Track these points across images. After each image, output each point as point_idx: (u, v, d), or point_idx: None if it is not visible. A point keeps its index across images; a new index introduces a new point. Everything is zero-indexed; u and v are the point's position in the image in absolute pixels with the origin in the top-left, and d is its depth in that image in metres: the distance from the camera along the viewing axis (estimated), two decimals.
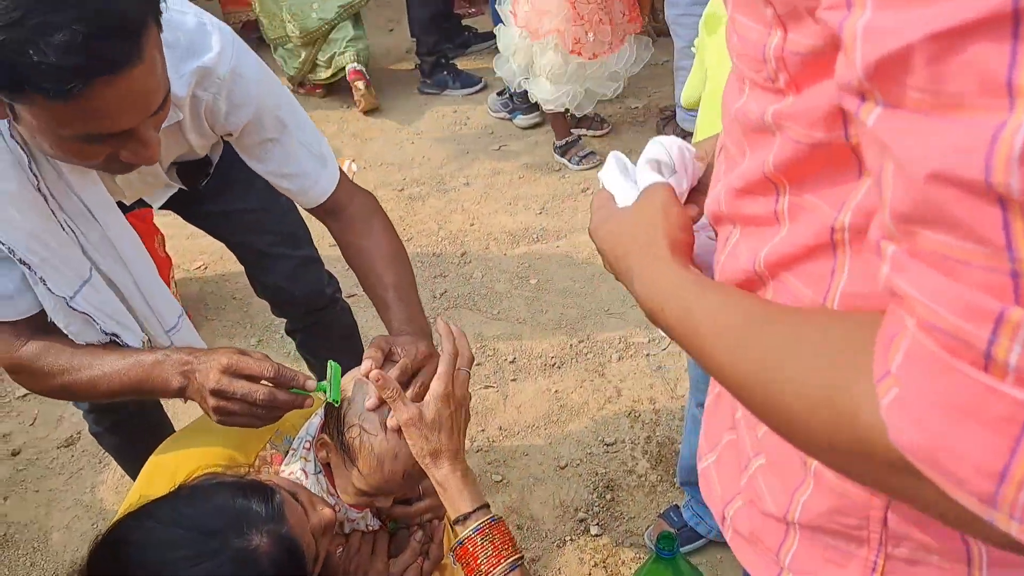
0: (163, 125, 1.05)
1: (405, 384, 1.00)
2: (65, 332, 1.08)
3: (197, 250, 2.80)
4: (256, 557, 0.83)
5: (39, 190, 1.01)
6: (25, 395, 2.31)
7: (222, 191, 1.47)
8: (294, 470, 1.08)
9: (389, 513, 1.11)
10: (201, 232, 1.61)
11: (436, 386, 0.97)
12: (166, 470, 1.08)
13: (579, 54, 2.64)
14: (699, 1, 1.34)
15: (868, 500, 0.51)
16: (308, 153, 1.21)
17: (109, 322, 1.11)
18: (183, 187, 1.36)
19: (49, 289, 1.03)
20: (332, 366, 1.02)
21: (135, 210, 1.55)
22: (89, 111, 0.83)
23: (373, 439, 0.98)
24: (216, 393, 0.98)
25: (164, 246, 2.46)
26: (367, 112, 3.50)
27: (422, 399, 1.00)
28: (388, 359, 1.03)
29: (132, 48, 0.82)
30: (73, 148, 0.90)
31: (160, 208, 1.53)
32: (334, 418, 1.03)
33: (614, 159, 0.71)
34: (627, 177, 0.69)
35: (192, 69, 1.04)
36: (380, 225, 1.25)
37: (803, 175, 0.47)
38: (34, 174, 1.00)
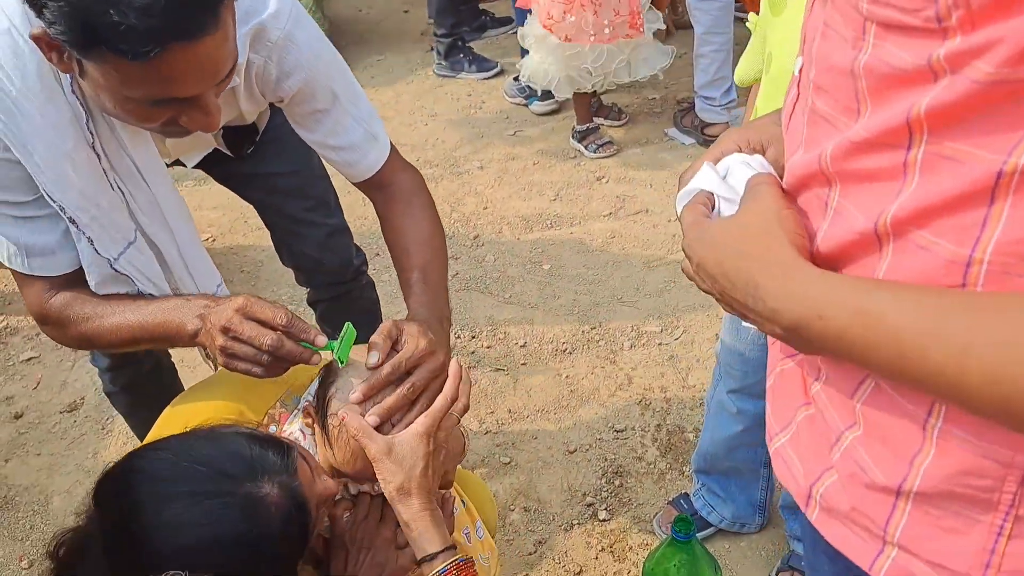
0: None
1: (397, 381, 0.96)
2: (93, 289, 1.08)
3: (206, 222, 2.78)
4: (266, 505, 0.82)
5: (93, 148, 1.00)
6: (30, 358, 2.29)
7: (257, 153, 1.45)
8: (293, 430, 1.06)
9: None
10: (209, 204, 1.60)
11: (418, 423, 0.94)
12: (179, 421, 1.07)
13: (550, 31, 2.62)
14: None
15: (1011, 458, 0.49)
16: (359, 127, 1.18)
17: (147, 284, 1.10)
18: (229, 153, 1.34)
19: (95, 249, 1.03)
20: (347, 327, 0.99)
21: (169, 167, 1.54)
22: (160, 75, 0.82)
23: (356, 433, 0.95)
24: (224, 331, 0.96)
25: None
26: None
27: (414, 401, 0.96)
28: (393, 347, 1.00)
29: (211, 16, 0.81)
30: (136, 110, 0.89)
31: (193, 168, 1.51)
32: (321, 396, 1.00)
33: (710, 169, 0.68)
34: (725, 187, 0.66)
35: (246, 31, 1.02)
36: (420, 204, 1.23)
37: (960, 120, 0.45)
38: (90, 131, 0.99)
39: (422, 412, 0.96)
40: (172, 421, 1.09)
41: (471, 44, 3.62)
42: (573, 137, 2.99)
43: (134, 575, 0.81)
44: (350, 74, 1.19)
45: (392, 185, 1.23)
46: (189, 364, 2.24)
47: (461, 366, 1.01)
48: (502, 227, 2.66)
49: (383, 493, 1.08)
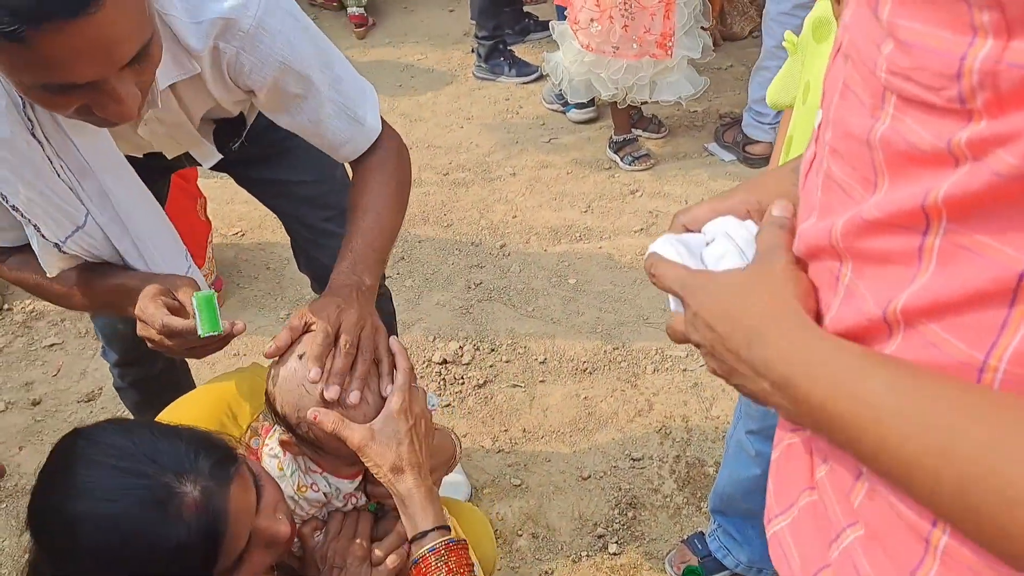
0: (179, 78, 1.01)
1: (329, 348, 0.95)
2: (44, 270, 1.10)
3: (236, 216, 2.78)
4: (177, 503, 0.79)
5: (34, 135, 0.98)
6: (52, 345, 2.31)
7: (278, 158, 1.42)
8: (273, 446, 1.04)
9: (374, 494, 1.06)
10: (241, 198, 1.58)
11: (392, 401, 0.95)
12: None
13: (575, 35, 2.56)
14: (806, 4, 1.24)
15: None
16: (341, 114, 1.15)
17: (91, 261, 1.12)
18: (215, 148, 1.30)
19: (42, 234, 1.03)
20: (195, 298, 0.99)
21: (181, 169, 1.51)
22: (40, 58, 0.77)
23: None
24: (138, 318, 1.02)
25: (205, 210, 2.43)
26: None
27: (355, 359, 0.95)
28: (307, 330, 0.98)
29: None
30: (37, 96, 0.84)
31: (213, 169, 1.48)
32: (278, 418, 0.98)
33: (672, 245, 0.64)
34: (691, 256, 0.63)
35: (212, 19, 0.98)
36: (386, 173, 1.20)
37: (981, 210, 0.40)
38: (29, 119, 0.96)
39: (367, 366, 0.96)
40: None
41: (512, 47, 3.57)
42: (610, 147, 2.92)
43: (42, 534, 0.82)
44: (333, 57, 1.15)
45: (370, 158, 1.21)
46: (209, 362, 2.24)
47: (398, 342, 1.02)
48: (530, 237, 2.60)
49: (359, 511, 1.06)
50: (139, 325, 1.02)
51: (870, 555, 0.51)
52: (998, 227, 0.39)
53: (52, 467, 0.84)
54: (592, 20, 2.50)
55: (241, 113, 1.27)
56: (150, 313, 1.00)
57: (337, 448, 0.94)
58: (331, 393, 0.92)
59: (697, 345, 0.60)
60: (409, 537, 0.92)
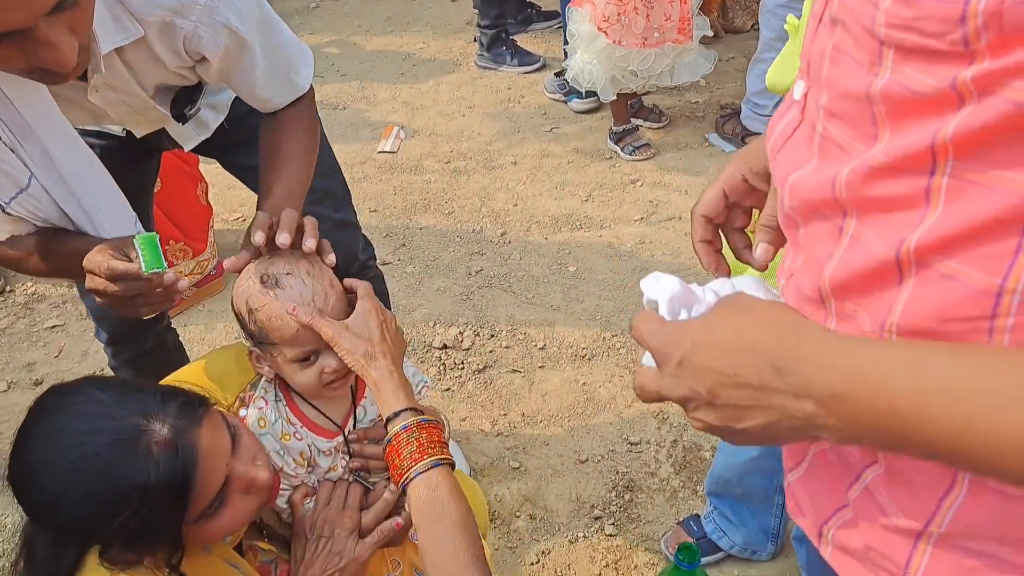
0: (123, 42, 1.02)
1: (296, 238, 1.00)
2: None
3: (237, 201, 2.79)
4: (146, 442, 0.81)
5: None
6: (54, 326, 2.32)
7: (258, 144, 1.41)
8: (261, 404, 1.06)
9: (360, 453, 1.07)
10: (242, 183, 1.59)
11: (363, 301, 1.00)
12: None
13: (605, 33, 2.57)
14: None
15: None
16: (268, 71, 1.19)
17: (45, 227, 1.12)
18: (171, 117, 1.29)
19: None
20: (137, 239, 1.01)
21: (165, 149, 1.51)
22: None
23: (264, 306, 0.98)
24: (88, 273, 1.01)
25: (207, 195, 2.44)
26: None
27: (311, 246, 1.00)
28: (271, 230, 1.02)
29: None
30: None
31: (199, 154, 1.48)
32: (239, 322, 1.03)
33: (657, 302, 0.60)
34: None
35: (169, 6, 1.01)
36: (301, 128, 1.25)
37: (989, 144, 0.42)
38: None
39: (314, 236, 1.01)
40: None
41: (515, 37, 3.57)
42: (610, 138, 2.93)
43: (19, 486, 0.83)
44: (273, 21, 1.19)
45: (289, 109, 1.25)
46: (207, 343, 2.25)
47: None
48: (531, 225, 2.61)
49: (347, 480, 1.08)
50: (87, 278, 1.02)
51: (891, 489, 0.52)
52: (1003, 158, 0.41)
53: (28, 420, 0.85)
54: (619, 16, 2.53)
55: (200, 80, 1.28)
56: (96, 260, 1.00)
57: (279, 331, 0.96)
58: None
59: (683, 401, 0.54)
60: (384, 420, 0.94)
